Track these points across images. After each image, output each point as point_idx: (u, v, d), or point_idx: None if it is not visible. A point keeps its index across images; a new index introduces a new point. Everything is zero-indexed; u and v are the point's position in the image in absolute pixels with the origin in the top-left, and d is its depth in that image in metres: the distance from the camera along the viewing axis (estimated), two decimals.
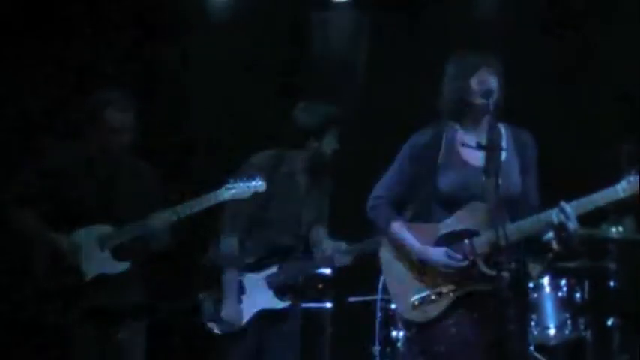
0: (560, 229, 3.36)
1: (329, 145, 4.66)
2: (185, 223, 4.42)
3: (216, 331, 4.64)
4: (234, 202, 4.49)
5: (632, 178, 3.31)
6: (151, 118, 6.18)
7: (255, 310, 4.64)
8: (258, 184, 4.41)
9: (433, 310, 3.51)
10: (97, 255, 4.26)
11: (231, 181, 4.38)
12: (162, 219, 4.28)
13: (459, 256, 3.45)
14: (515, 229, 3.40)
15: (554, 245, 3.46)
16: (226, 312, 4.57)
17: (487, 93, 3.46)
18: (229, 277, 4.60)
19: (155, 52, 6.33)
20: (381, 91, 6.49)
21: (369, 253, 4.57)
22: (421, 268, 3.58)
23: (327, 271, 5.65)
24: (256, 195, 4.48)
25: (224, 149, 5.25)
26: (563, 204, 3.35)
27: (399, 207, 3.74)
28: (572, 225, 3.34)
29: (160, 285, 5.01)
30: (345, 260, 4.69)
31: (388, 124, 6.17)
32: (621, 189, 3.33)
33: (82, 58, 6.04)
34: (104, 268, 4.27)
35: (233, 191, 4.38)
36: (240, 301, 4.60)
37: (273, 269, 4.67)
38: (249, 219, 4.60)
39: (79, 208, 4.28)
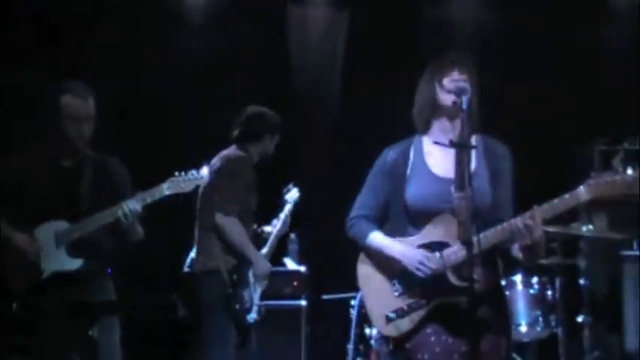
0: (525, 234, 3.34)
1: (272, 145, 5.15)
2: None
3: (253, 316, 4.87)
4: (233, 189, 4.84)
5: (592, 182, 3.34)
6: (131, 114, 6.27)
7: (259, 292, 5.00)
8: (199, 177, 4.43)
9: (406, 325, 3.52)
10: (53, 252, 4.24)
11: (177, 173, 4.38)
12: (111, 214, 4.24)
13: (431, 266, 3.44)
14: (483, 239, 3.38)
15: (520, 256, 3.46)
16: (260, 267, 4.89)
17: (460, 91, 3.45)
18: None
19: (136, 51, 6.36)
20: (359, 88, 6.59)
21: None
22: (400, 276, 3.55)
23: (302, 269, 5.90)
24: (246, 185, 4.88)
25: (202, 145, 5.21)
26: (535, 208, 3.34)
27: (376, 224, 3.71)
28: (538, 231, 3.34)
29: (133, 281, 5.07)
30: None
31: (366, 117, 6.34)
32: (581, 193, 3.35)
33: (61, 55, 6.05)
34: (59, 265, 4.24)
35: (176, 184, 4.36)
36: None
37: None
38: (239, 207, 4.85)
39: (42, 206, 4.24)
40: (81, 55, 6.20)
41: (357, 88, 6.64)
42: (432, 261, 3.46)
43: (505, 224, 3.39)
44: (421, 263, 3.46)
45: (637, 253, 5.61)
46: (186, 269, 5.06)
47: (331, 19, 6.78)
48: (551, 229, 5.19)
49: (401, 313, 3.51)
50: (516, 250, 3.48)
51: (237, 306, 4.84)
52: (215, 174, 4.98)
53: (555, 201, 3.35)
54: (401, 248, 3.55)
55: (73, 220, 4.25)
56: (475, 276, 3.33)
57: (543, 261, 5.51)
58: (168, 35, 6.55)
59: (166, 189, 4.30)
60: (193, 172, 4.36)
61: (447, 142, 3.49)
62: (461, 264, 3.39)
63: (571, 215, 5.36)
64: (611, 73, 6.31)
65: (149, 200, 4.29)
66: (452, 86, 3.50)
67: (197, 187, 4.44)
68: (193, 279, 4.99)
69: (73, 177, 4.30)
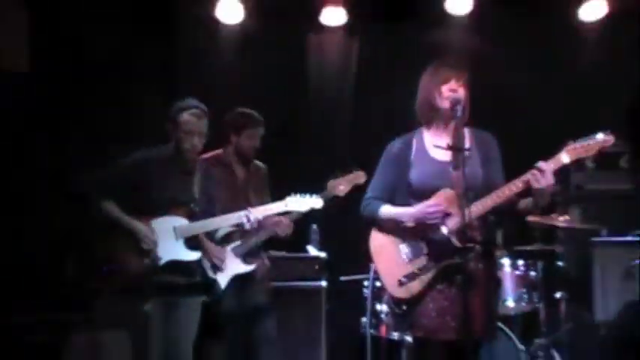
0: (540, 178, 3.60)
1: (247, 140, 5.16)
2: None
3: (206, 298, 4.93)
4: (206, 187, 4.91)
5: (570, 146, 3.64)
6: None
7: (230, 276, 5.08)
8: (315, 200, 4.76)
9: (416, 287, 3.77)
10: (172, 243, 4.48)
11: (292, 194, 4.74)
12: (236, 218, 4.56)
13: (440, 208, 3.71)
14: (482, 205, 3.71)
15: (532, 207, 3.73)
16: (214, 254, 4.94)
17: (455, 101, 3.76)
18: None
19: (181, 72, 6.76)
20: (369, 100, 6.92)
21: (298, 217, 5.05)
22: (409, 244, 3.81)
23: (322, 254, 6.15)
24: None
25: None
26: (539, 163, 3.64)
27: (385, 202, 3.96)
28: (550, 176, 3.61)
29: None
30: (285, 229, 5.07)
31: (375, 127, 6.62)
32: (564, 156, 3.64)
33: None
34: (177, 254, 4.51)
35: (296, 203, 4.68)
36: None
37: (237, 242, 5.14)
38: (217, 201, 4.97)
39: (160, 201, 4.53)
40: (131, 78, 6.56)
41: (369, 102, 6.92)
42: (438, 206, 3.73)
43: (506, 189, 3.68)
44: (432, 210, 3.75)
45: (604, 239, 5.89)
46: None
47: (344, 44, 7.03)
48: (533, 219, 5.49)
49: (412, 276, 3.79)
50: (522, 204, 3.75)
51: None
52: None
53: (541, 163, 3.66)
54: (411, 210, 3.83)
55: (190, 218, 4.54)
56: (476, 238, 3.69)
57: (527, 247, 5.84)
58: (206, 57, 6.88)
59: (286, 206, 4.68)
60: (309, 195, 4.75)
61: (443, 141, 3.81)
62: (461, 229, 3.65)
63: (551, 208, 5.67)
64: (598, 79, 6.54)
65: (271, 213, 4.66)
66: (449, 96, 3.80)
67: (312, 209, 4.74)
68: None
69: (187, 179, 4.63)
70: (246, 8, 6.78)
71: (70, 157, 6.24)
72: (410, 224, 3.85)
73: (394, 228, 3.90)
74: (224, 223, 4.61)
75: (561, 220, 5.73)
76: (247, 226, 4.57)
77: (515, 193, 3.71)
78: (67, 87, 6.43)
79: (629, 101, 6.06)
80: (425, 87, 3.88)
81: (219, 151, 5.27)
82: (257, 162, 5.37)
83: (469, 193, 3.66)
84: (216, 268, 5.00)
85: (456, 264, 3.68)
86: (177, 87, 6.43)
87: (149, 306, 4.53)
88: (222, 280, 5.05)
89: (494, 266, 4.04)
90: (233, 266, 5.12)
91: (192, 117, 4.55)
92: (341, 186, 4.93)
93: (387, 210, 3.93)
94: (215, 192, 5.03)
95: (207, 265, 4.96)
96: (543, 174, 3.62)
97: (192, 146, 4.57)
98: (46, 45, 6.43)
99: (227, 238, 5.03)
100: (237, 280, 5.09)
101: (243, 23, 6.86)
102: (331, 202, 5.04)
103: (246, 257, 5.15)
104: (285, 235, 5.12)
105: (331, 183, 5.03)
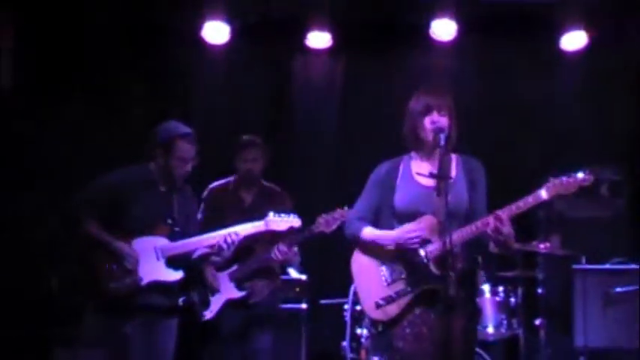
0: (496, 232, 3.65)
1: (241, 163, 5.23)
2: None
3: (208, 316, 5.11)
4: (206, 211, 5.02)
5: (549, 184, 3.68)
6: None
7: (224, 300, 5.17)
8: (293, 220, 4.78)
9: (393, 310, 3.81)
10: (153, 263, 4.50)
11: (272, 213, 4.75)
12: (213, 238, 4.57)
13: (420, 234, 3.77)
14: (458, 235, 3.72)
15: (495, 249, 3.78)
16: (211, 279, 5.03)
17: (438, 130, 3.83)
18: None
19: (169, 92, 6.85)
20: (354, 123, 7.09)
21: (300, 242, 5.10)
22: (388, 267, 3.85)
23: (303, 277, 6.21)
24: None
25: (221, 169, 5.60)
26: (497, 212, 3.68)
27: (368, 223, 4.00)
28: (507, 229, 3.65)
29: None
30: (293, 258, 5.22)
31: (360, 149, 6.79)
32: (542, 193, 3.67)
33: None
34: (158, 275, 4.51)
35: (275, 222, 4.71)
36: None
37: (234, 267, 5.20)
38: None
39: (140, 222, 4.54)
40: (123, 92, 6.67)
41: (353, 124, 7.07)
42: (417, 231, 3.79)
43: (479, 223, 3.74)
44: (411, 236, 3.82)
45: (584, 267, 5.98)
46: None
47: (329, 68, 7.15)
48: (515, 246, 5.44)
49: (389, 299, 3.83)
50: (492, 246, 3.82)
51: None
52: None
53: (520, 202, 3.71)
54: (392, 234, 3.89)
55: (170, 238, 4.56)
56: (452, 266, 3.65)
57: (508, 273, 5.92)
58: (192, 77, 6.98)
59: (265, 225, 4.70)
60: (286, 214, 4.81)
61: (427, 168, 3.91)
62: (441, 256, 3.72)
63: (531, 235, 5.86)
64: (566, 114, 6.71)
65: (250, 232, 4.66)
66: (431, 127, 3.87)
67: (291, 228, 4.80)
68: None
69: (168, 201, 4.65)
70: (232, 30, 6.87)
71: (54, 174, 6.30)
72: (391, 247, 3.91)
73: (376, 250, 3.95)
74: (204, 243, 4.60)
75: (542, 247, 5.83)
76: (224, 247, 4.57)
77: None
78: (52, 103, 6.52)
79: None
80: (409, 116, 3.95)
81: (228, 179, 5.37)
82: (270, 185, 5.41)
83: (452, 221, 3.71)
84: (212, 292, 5.11)
85: (434, 290, 3.74)
86: (164, 106, 6.51)
87: (129, 327, 4.55)
88: (216, 303, 5.15)
89: (474, 294, 4.13)
90: (227, 291, 5.20)
91: (187, 144, 4.59)
92: (331, 225, 4.92)
93: (369, 232, 3.98)
94: (226, 219, 5.03)
95: (198, 292, 5.10)
96: (502, 222, 3.67)
97: (185, 172, 4.63)
98: (32, 61, 6.52)
99: (205, 259, 4.98)
100: (232, 303, 5.20)
101: (228, 44, 6.94)
102: (316, 236, 5.08)
103: (240, 282, 5.22)
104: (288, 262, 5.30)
105: (322, 218, 5.02)
